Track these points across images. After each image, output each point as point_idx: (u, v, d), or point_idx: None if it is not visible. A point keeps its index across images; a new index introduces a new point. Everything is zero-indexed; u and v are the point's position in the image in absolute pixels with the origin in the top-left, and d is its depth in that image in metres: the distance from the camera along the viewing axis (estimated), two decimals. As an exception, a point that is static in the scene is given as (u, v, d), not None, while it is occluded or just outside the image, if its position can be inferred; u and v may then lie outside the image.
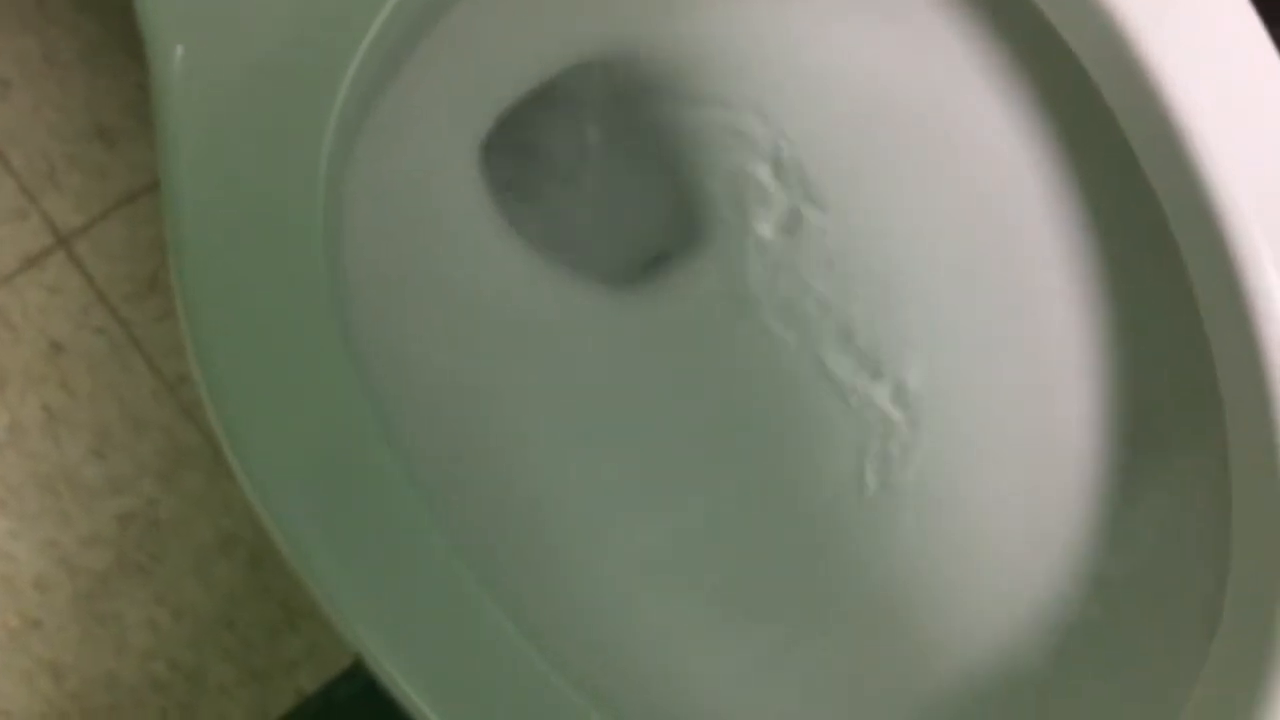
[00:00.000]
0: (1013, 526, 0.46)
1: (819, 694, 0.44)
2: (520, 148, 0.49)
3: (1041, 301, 0.46)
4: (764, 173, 0.49)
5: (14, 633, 0.64)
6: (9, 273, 0.66)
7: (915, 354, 0.48)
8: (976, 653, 0.45)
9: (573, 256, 0.49)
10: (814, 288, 0.49)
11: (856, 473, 0.47)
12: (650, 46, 0.48)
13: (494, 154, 0.47)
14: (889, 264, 0.48)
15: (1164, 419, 0.44)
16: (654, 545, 0.45)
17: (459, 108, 0.46)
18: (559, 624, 0.40)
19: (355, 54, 0.39)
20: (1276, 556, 0.38)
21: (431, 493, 0.36)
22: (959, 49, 0.44)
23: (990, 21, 0.44)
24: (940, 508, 0.46)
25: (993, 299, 0.47)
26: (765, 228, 0.49)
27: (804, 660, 0.45)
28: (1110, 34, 0.37)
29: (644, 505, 0.46)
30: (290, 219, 0.38)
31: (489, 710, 0.36)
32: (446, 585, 0.36)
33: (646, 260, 0.51)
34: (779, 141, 0.48)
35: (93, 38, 0.68)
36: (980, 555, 0.46)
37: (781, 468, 0.47)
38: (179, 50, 0.39)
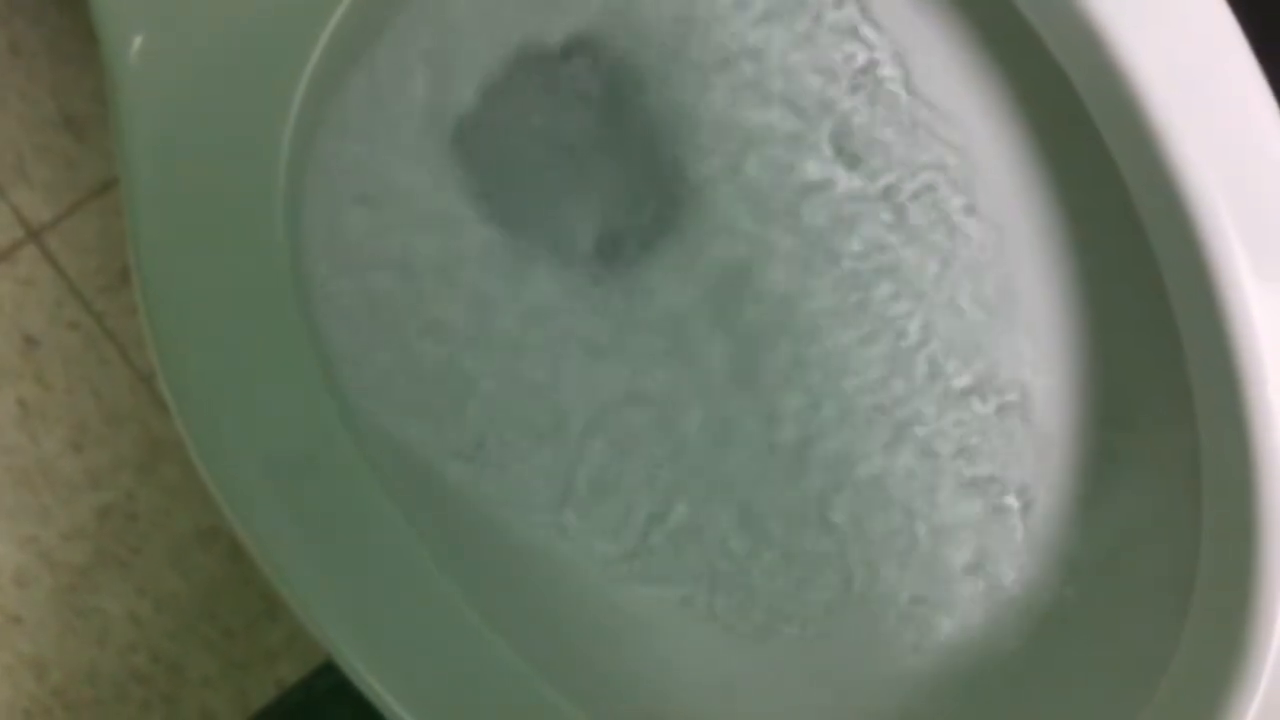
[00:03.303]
0: (985, 509, 0.46)
1: (796, 680, 0.44)
2: (496, 131, 0.48)
3: (1016, 289, 0.45)
4: (750, 160, 0.48)
5: (-6, 628, 0.64)
6: (-20, 267, 0.65)
7: (892, 332, 0.47)
8: (952, 636, 0.45)
9: (550, 241, 0.49)
10: (794, 273, 0.48)
11: (835, 464, 0.47)
12: (630, 29, 0.47)
13: (468, 139, 0.47)
14: (867, 250, 0.47)
15: (1135, 402, 0.44)
16: (628, 540, 0.45)
17: (428, 91, 0.45)
18: (532, 621, 0.40)
19: (318, 41, 0.38)
20: (1247, 536, 0.38)
21: (399, 489, 0.36)
22: (940, 47, 0.44)
23: (967, 20, 0.43)
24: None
25: (968, 285, 0.46)
26: (746, 216, 0.49)
27: (780, 649, 0.44)
28: (1086, 32, 0.37)
29: (618, 499, 0.45)
30: (252, 211, 0.37)
31: (462, 709, 0.36)
32: (416, 584, 0.36)
33: (626, 246, 0.50)
34: (764, 127, 0.48)
35: (58, 27, 0.67)
36: (954, 539, 0.46)
37: (751, 461, 0.47)
38: (137, 40, 0.38)
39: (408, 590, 0.36)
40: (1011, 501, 0.46)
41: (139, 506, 0.66)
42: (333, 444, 0.36)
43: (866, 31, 0.45)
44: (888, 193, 0.46)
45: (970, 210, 0.46)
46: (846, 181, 0.47)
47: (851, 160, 0.46)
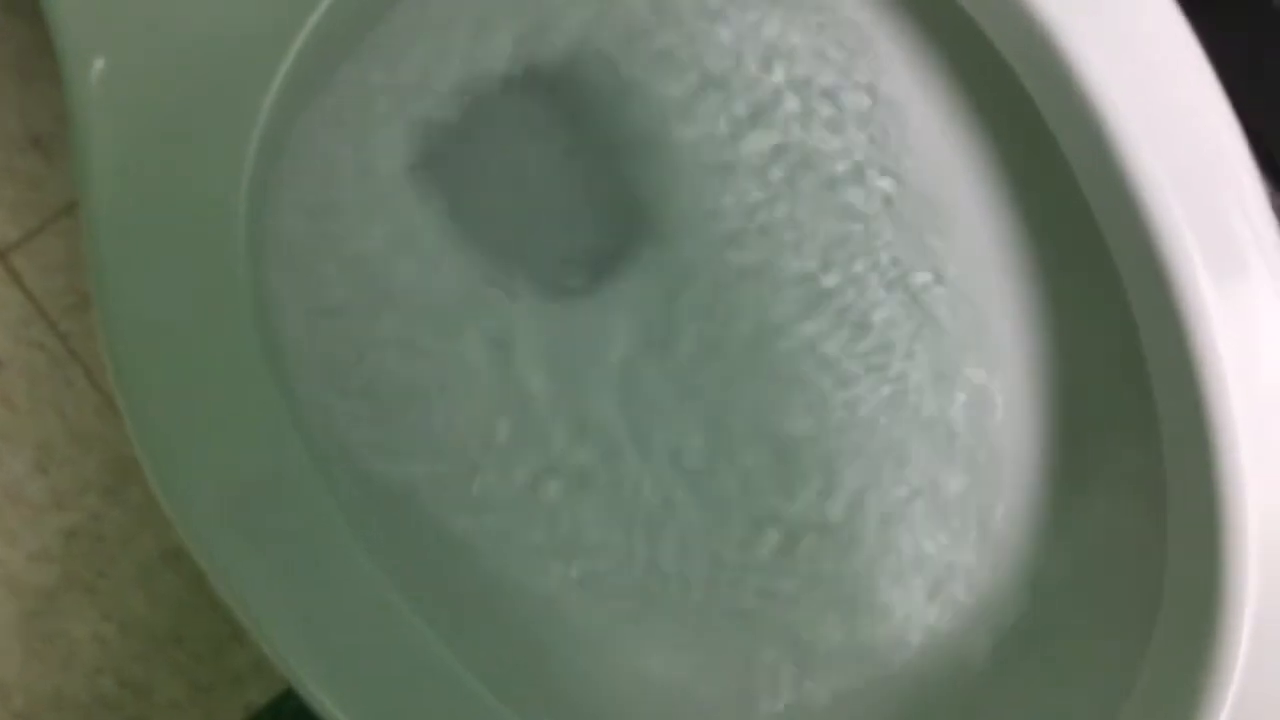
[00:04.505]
0: (949, 529, 0.46)
1: (759, 691, 0.44)
2: (458, 156, 0.48)
3: (978, 304, 0.46)
4: (709, 179, 0.48)
5: (-43, 653, 0.63)
6: (-56, 287, 0.65)
7: (858, 355, 0.48)
8: (918, 651, 0.45)
9: (518, 259, 0.49)
10: (758, 291, 0.48)
11: (802, 478, 0.47)
12: (594, 57, 0.47)
13: (431, 162, 0.47)
14: (826, 268, 0.48)
15: (1100, 419, 0.44)
16: (590, 564, 0.45)
17: (390, 116, 0.45)
18: (494, 647, 0.40)
19: (282, 64, 0.38)
20: (1211, 552, 0.38)
21: (360, 515, 0.36)
22: (893, 52, 0.44)
23: (919, 25, 0.44)
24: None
25: (931, 302, 0.47)
26: (712, 234, 0.49)
27: (742, 662, 0.44)
28: (1033, 33, 0.37)
29: (581, 519, 0.45)
30: (213, 235, 0.37)
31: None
32: (376, 610, 0.35)
33: (593, 264, 0.50)
34: (724, 146, 0.48)
35: (24, 44, 0.67)
36: (923, 555, 0.46)
37: (715, 479, 0.47)
38: (98, 63, 0.38)
39: (369, 618, 0.35)
40: (976, 521, 0.46)
41: (105, 529, 0.65)
42: (293, 470, 0.36)
43: (833, 54, 0.45)
44: (847, 212, 0.47)
45: (940, 233, 0.46)
46: (804, 200, 0.47)
47: (806, 174, 0.47)
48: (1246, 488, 0.38)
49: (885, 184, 0.46)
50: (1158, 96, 0.37)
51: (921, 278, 0.46)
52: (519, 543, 0.44)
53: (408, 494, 0.42)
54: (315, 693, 0.35)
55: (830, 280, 0.47)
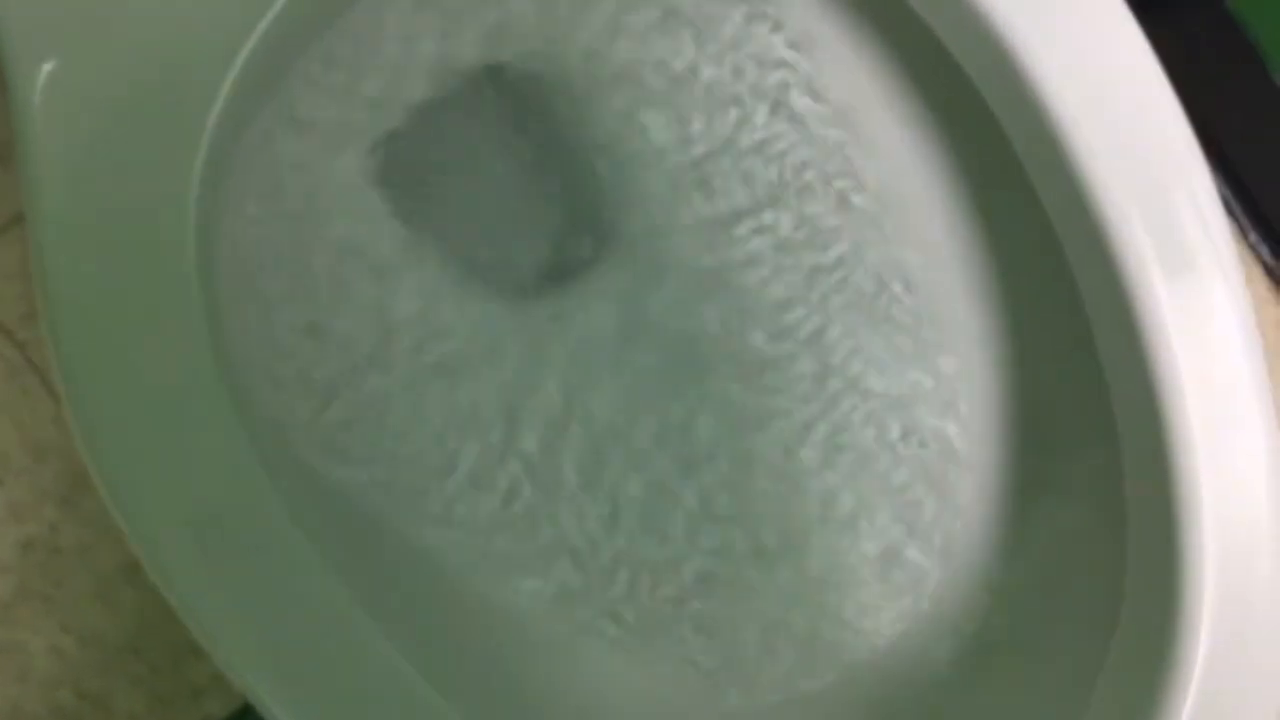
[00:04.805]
0: (914, 537, 0.46)
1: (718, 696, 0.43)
2: (417, 158, 0.48)
3: (937, 310, 0.46)
4: (668, 181, 0.48)
5: (-89, 667, 0.62)
6: (-104, 295, 0.64)
7: (815, 357, 0.47)
8: (880, 659, 0.45)
9: (480, 264, 0.48)
10: (721, 294, 0.48)
11: (764, 487, 0.47)
12: (553, 60, 0.47)
13: (389, 165, 0.46)
14: (797, 275, 0.48)
15: (1058, 426, 0.45)
16: (560, 576, 0.45)
17: (345, 117, 0.45)
18: (459, 662, 0.39)
19: (233, 66, 0.38)
20: (1169, 558, 0.38)
21: (317, 528, 0.35)
22: (855, 61, 0.44)
23: (880, 35, 0.44)
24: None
25: (890, 307, 0.47)
26: (677, 235, 0.48)
27: (702, 680, 0.44)
28: (991, 43, 0.37)
29: (546, 531, 0.45)
30: (163, 248, 0.36)
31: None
32: (336, 625, 0.35)
33: (555, 267, 0.50)
34: (689, 150, 0.48)
35: (-21, 49, 0.66)
36: (883, 564, 0.46)
37: (685, 483, 0.47)
38: (45, 67, 0.37)
39: (328, 633, 0.35)
40: (937, 529, 0.46)
41: (62, 540, 0.65)
42: (248, 484, 0.35)
43: (784, 53, 0.45)
44: (805, 221, 0.47)
45: (896, 236, 0.46)
46: (766, 209, 0.47)
47: (767, 185, 0.47)
48: (1203, 492, 0.38)
49: (842, 184, 0.46)
50: (1107, 92, 0.37)
51: (888, 285, 0.46)
52: (484, 555, 0.43)
53: (368, 508, 0.42)
54: (272, 708, 0.34)
55: (786, 290, 0.47)
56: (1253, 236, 0.58)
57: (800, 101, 0.46)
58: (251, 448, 0.36)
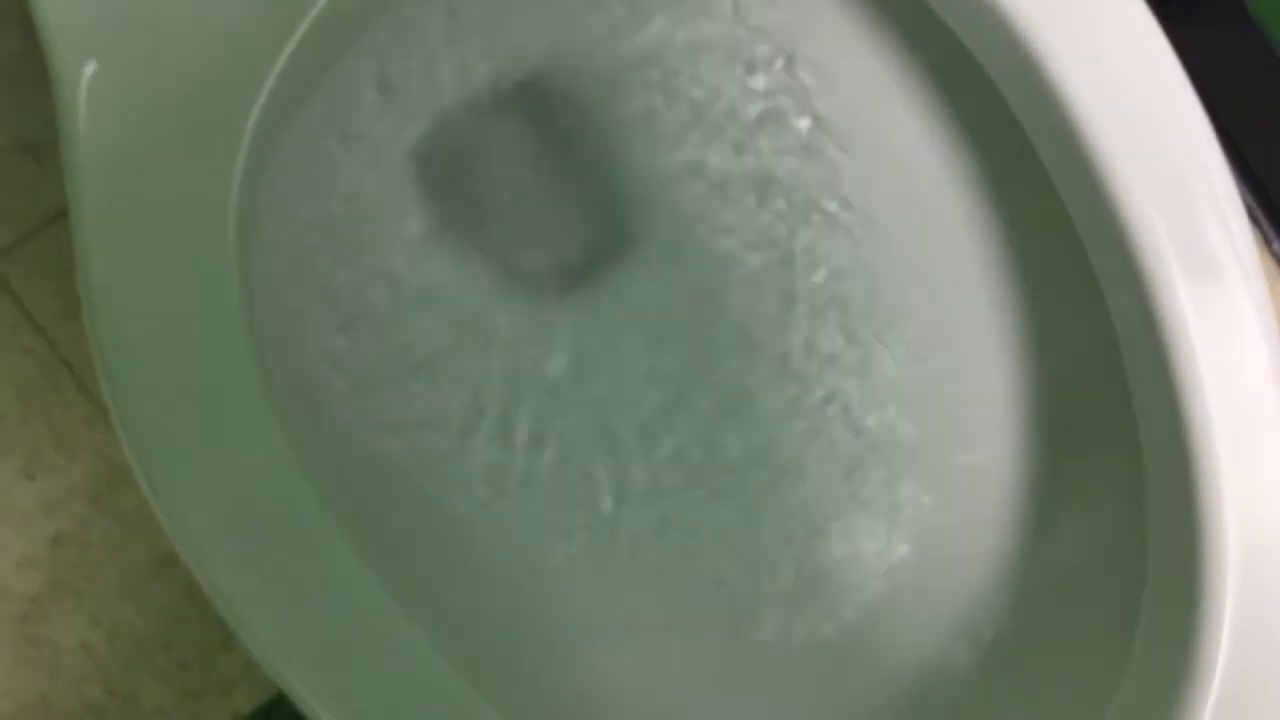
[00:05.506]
0: (939, 540, 0.46)
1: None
2: (447, 162, 0.49)
3: (958, 316, 0.46)
4: (701, 183, 0.49)
5: (-57, 659, 0.63)
6: (-66, 293, 0.65)
7: (846, 362, 0.48)
8: (902, 662, 0.45)
9: (510, 262, 0.49)
10: (748, 297, 0.49)
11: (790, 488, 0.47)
12: (582, 63, 0.48)
13: (420, 167, 0.47)
14: (827, 277, 0.48)
15: (1081, 429, 0.45)
16: (592, 578, 0.45)
17: (381, 120, 0.45)
18: (491, 654, 0.40)
19: (273, 67, 0.38)
20: (1192, 562, 0.39)
21: (353, 527, 0.36)
22: (874, 61, 0.45)
23: (899, 34, 0.44)
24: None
25: (919, 310, 0.47)
26: (702, 235, 0.49)
27: (729, 679, 0.45)
28: (1010, 40, 0.38)
29: (572, 525, 0.46)
30: (203, 246, 0.37)
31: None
32: (372, 622, 0.36)
33: (583, 266, 0.51)
34: (716, 151, 0.48)
35: (16, 49, 0.67)
36: (908, 567, 0.46)
37: (704, 478, 0.47)
38: (88, 69, 0.38)
39: (360, 623, 0.36)
40: (961, 529, 0.46)
41: (92, 536, 0.65)
42: (284, 477, 0.36)
43: (805, 78, 0.46)
44: (824, 235, 0.47)
45: (917, 243, 0.46)
46: (787, 222, 0.47)
47: (790, 200, 0.47)
48: (1226, 495, 0.38)
49: (861, 196, 0.47)
50: (1132, 98, 0.37)
51: (909, 293, 0.47)
52: (519, 542, 0.44)
53: (402, 498, 0.42)
54: (311, 706, 0.35)
55: (819, 286, 0.47)
56: (1276, 245, 0.58)
57: (819, 117, 0.46)
58: (287, 443, 0.36)
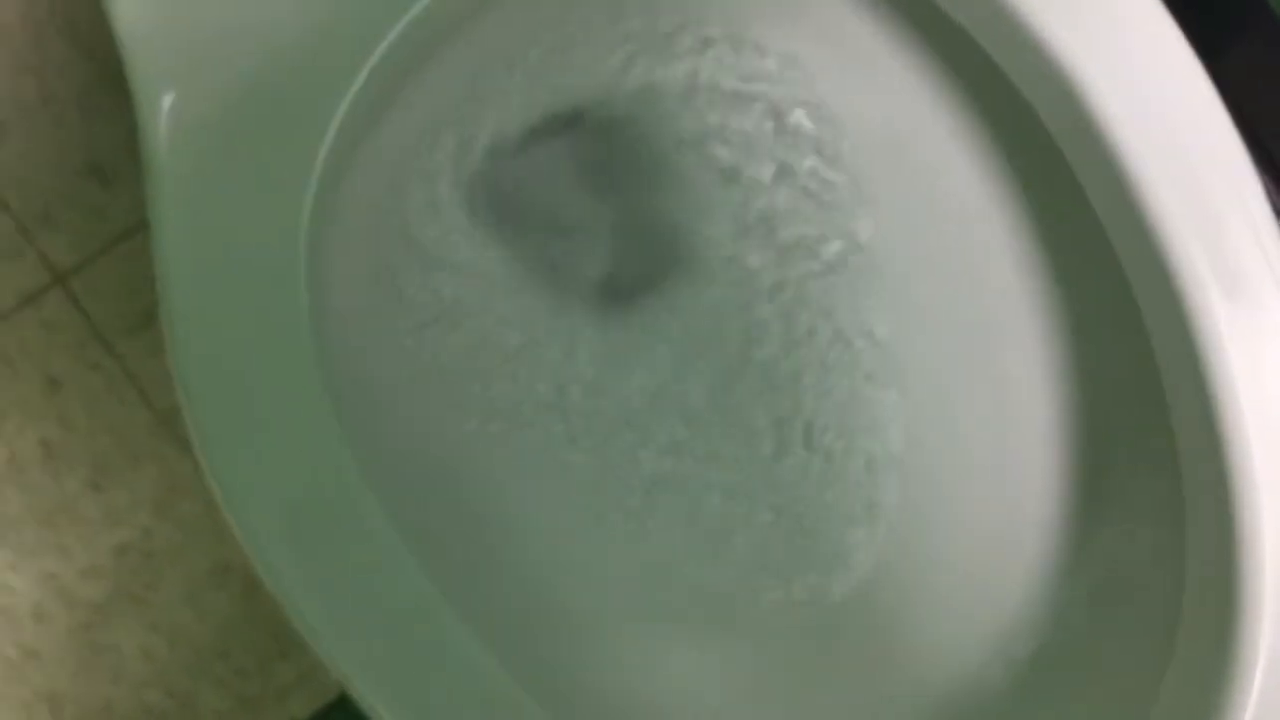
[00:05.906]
0: (976, 556, 0.47)
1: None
2: (508, 188, 0.50)
3: (1005, 334, 0.47)
4: (750, 207, 0.50)
5: (12, 664, 0.65)
6: (7, 310, 0.67)
7: (888, 386, 0.49)
8: (940, 678, 0.46)
9: (563, 283, 0.50)
10: (793, 320, 0.50)
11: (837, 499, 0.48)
12: (637, 102, 0.49)
13: (483, 192, 0.48)
14: (870, 299, 0.49)
15: (1119, 444, 0.45)
16: (635, 574, 0.46)
17: (449, 147, 0.47)
18: (542, 654, 0.41)
19: (345, 96, 0.40)
20: (1229, 580, 0.39)
21: (412, 531, 0.37)
22: (920, 89, 0.46)
23: (942, 63, 0.45)
24: (907, 538, 0.47)
25: (961, 333, 0.48)
26: (752, 258, 0.50)
27: (768, 685, 0.45)
28: (1048, 66, 0.39)
29: (625, 532, 0.47)
30: (274, 268, 0.39)
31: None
32: (429, 623, 0.37)
33: (634, 287, 0.52)
34: (765, 175, 0.49)
35: (88, 78, 0.69)
36: (944, 584, 0.47)
37: (743, 499, 0.48)
38: (168, 99, 0.40)
39: (421, 629, 0.37)
40: (994, 545, 0.47)
41: (155, 545, 0.67)
42: (348, 484, 0.38)
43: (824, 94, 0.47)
44: (874, 243, 0.48)
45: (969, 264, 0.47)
46: (839, 240, 0.48)
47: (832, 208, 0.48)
48: (1264, 514, 0.39)
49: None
50: (1158, 111, 0.38)
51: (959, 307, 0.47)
52: (579, 553, 0.45)
53: (461, 516, 0.44)
54: (369, 699, 0.36)
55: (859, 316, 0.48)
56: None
57: (859, 134, 0.47)
58: (354, 460, 0.38)
